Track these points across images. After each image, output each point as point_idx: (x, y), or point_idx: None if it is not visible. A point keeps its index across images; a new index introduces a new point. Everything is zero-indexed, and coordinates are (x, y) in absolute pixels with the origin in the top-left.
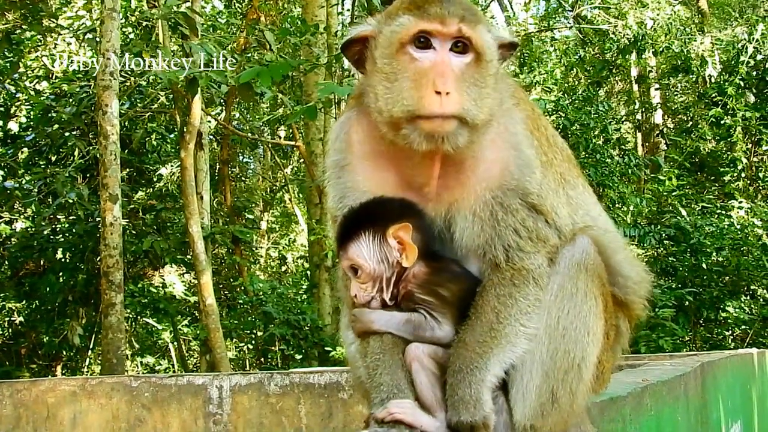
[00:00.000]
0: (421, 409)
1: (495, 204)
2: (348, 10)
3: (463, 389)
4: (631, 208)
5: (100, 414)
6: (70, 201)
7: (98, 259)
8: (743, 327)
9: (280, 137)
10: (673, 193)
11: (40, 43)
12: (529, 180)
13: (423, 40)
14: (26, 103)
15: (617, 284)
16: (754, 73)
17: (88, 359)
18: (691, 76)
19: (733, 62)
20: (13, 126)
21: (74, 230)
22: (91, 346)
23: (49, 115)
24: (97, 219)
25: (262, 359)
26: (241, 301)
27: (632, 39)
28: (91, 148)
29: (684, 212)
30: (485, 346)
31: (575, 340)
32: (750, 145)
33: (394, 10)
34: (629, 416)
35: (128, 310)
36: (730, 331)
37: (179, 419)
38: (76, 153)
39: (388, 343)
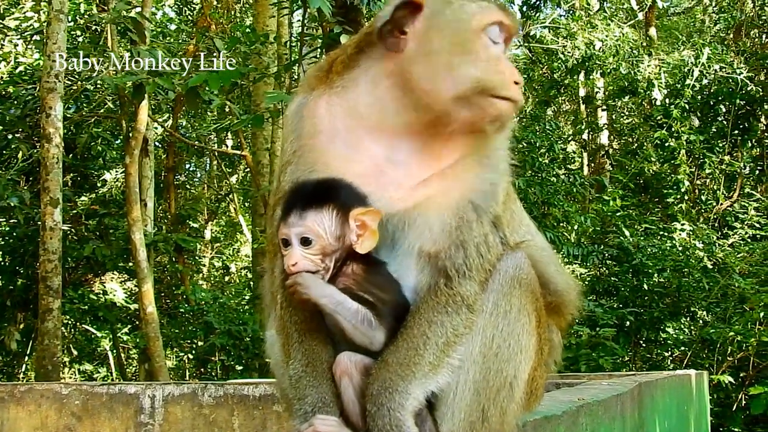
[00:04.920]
0: (347, 426)
1: (472, 209)
2: (298, 20)
3: (382, 419)
4: (576, 227)
5: (28, 421)
6: (11, 204)
7: (37, 263)
8: (682, 348)
9: (227, 146)
10: (617, 214)
11: None
12: (499, 189)
13: (496, 33)
14: None
15: (549, 291)
16: (699, 97)
17: (24, 365)
18: (637, 98)
19: (679, 85)
20: None
21: (15, 234)
22: (28, 352)
23: None
24: (38, 223)
25: (202, 369)
26: (182, 310)
27: (580, 60)
28: (34, 151)
29: (627, 233)
30: (407, 369)
31: (508, 358)
32: (693, 168)
33: None
34: None
35: (67, 317)
36: (670, 352)
37: (109, 428)
38: (19, 156)
39: (312, 350)
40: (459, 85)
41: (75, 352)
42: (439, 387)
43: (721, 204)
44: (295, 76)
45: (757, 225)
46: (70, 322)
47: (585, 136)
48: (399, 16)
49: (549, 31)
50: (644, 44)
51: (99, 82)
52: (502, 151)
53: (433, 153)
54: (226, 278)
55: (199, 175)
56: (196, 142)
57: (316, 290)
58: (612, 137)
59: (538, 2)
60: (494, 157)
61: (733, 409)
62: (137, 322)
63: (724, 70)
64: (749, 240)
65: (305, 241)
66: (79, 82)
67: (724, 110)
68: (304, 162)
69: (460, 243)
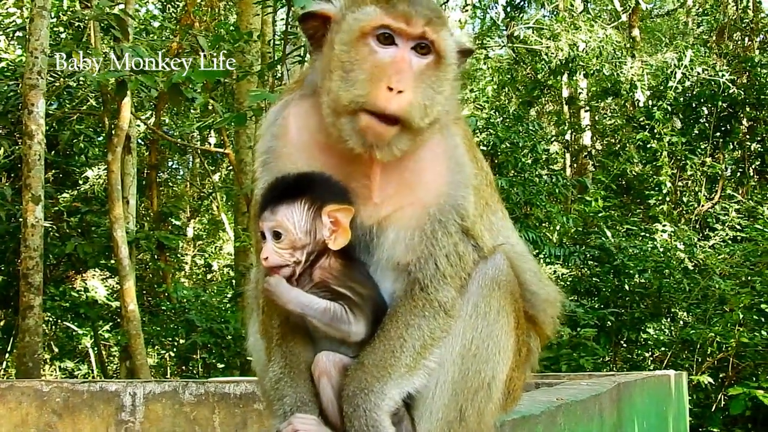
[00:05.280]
0: (326, 425)
1: (437, 222)
2: (282, 19)
3: (358, 419)
4: (558, 227)
5: (9, 419)
6: None
7: (19, 260)
8: (663, 349)
9: (209, 144)
10: (599, 215)
11: None
12: (466, 203)
13: (386, 36)
14: None
15: (525, 299)
16: (682, 99)
17: (5, 362)
18: (620, 100)
19: (661, 87)
20: None
21: None
22: (9, 349)
23: None
24: (20, 220)
25: (184, 367)
26: (164, 308)
27: (564, 61)
28: (16, 147)
29: (609, 233)
30: (383, 370)
31: (486, 359)
32: (675, 170)
33: None
34: None
35: (48, 314)
36: (650, 353)
37: (90, 426)
38: (0, 152)
39: (291, 352)
40: (332, 101)
41: (56, 350)
42: (416, 388)
43: (703, 205)
44: (279, 75)
45: (738, 227)
46: (51, 319)
47: (568, 136)
48: (310, 27)
49: (533, 32)
50: (627, 46)
51: (81, 78)
52: (466, 161)
53: (386, 168)
54: (209, 276)
55: (181, 172)
56: (179, 140)
57: (282, 296)
58: (594, 138)
59: (522, 3)
60: (455, 168)
61: (713, 409)
62: (119, 320)
63: (706, 72)
64: (730, 242)
65: (277, 235)
66: (62, 79)
67: (706, 112)
68: (275, 169)
69: (428, 255)
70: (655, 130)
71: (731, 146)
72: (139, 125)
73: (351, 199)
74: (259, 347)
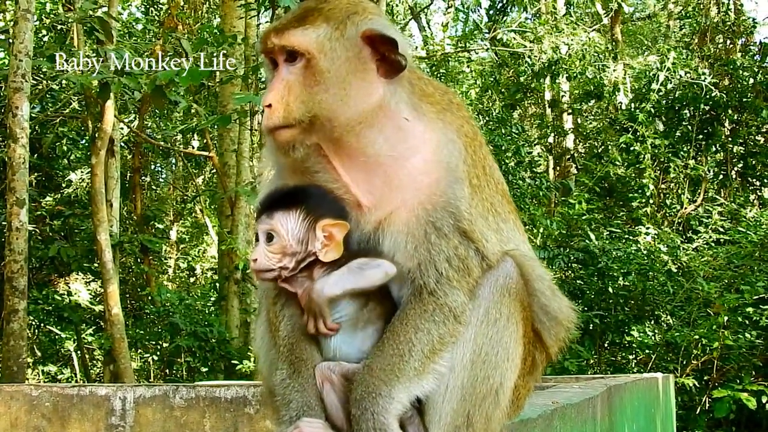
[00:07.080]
0: (332, 429)
1: (428, 224)
2: (267, 22)
3: (366, 422)
4: (541, 230)
5: None
6: None
7: (2, 264)
8: (647, 351)
9: (193, 147)
10: (583, 217)
11: None
12: (457, 201)
13: (272, 60)
14: None
15: (534, 311)
16: (664, 101)
17: None
18: (603, 103)
19: (644, 90)
20: None
21: None
22: None
23: None
24: (4, 223)
25: (167, 371)
26: (147, 312)
27: (547, 63)
28: (0, 150)
29: (593, 236)
30: (391, 374)
31: (495, 365)
32: (658, 173)
33: None
34: None
35: (31, 317)
36: (634, 355)
37: (80, 430)
38: None
39: (297, 359)
40: None
41: (39, 353)
42: (424, 392)
43: (686, 208)
44: (263, 78)
45: (721, 229)
46: (34, 323)
47: (551, 139)
48: None
49: (516, 35)
50: (610, 49)
51: (64, 81)
52: (459, 156)
53: (370, 175)
54: (192, 279)
55: (165, 175)
56: (163, 143)
57: (325, 291)
58: (577, 141)
59: (504, 6)
60: (441, 163)
61: (697, 412)
62: (102, 323)
63: (688, 75)
64: (713, 244)
65: (269, 238)
66: (45, 82)
67: (688, 115)
68: (272, 180)
69: (428, 261)
70: (638, 133)
71: (714, 149)
72: (122, 128)
73: (347, 215)
74: (266, 348)
